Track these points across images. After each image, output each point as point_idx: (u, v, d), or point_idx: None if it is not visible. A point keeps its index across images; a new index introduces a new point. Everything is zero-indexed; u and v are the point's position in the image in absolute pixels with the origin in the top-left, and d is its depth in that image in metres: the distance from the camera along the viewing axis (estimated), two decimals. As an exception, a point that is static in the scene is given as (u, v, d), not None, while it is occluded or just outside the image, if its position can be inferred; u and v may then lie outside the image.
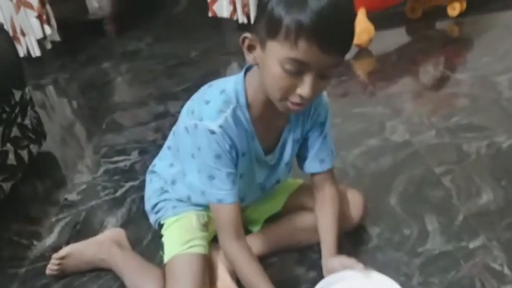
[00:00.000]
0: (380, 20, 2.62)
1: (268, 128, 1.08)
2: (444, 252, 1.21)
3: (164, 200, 1.23)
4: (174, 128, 1.19)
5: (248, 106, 1.02)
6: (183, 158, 1.14)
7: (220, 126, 0.97)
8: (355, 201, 1.24)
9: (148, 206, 1.28)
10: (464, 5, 2.84)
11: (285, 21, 0.84)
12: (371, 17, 2.56)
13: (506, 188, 1.39)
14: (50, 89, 2.67)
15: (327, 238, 1.14)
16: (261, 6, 0.89)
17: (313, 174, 1.19)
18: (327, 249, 1.13)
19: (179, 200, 1.21)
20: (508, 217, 1.28)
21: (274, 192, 1.28)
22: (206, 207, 1.16)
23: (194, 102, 1.06)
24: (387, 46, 2.66)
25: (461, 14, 2.85)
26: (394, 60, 2.49)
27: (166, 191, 1.23)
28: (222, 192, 1.02)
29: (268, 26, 0.87)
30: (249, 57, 0.95)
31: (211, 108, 0.99)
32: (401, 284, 1.06)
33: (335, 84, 2.30)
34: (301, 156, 1.19)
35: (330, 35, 0.84)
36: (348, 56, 2.59)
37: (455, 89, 2.07)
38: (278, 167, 1.16)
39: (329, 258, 1.11)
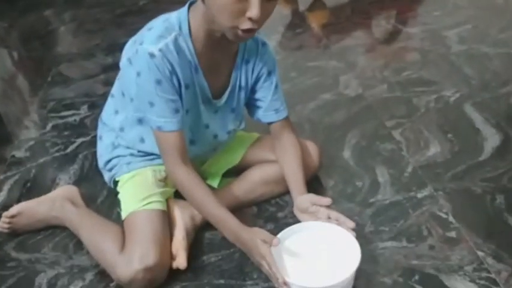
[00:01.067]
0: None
1: (214, 67, 1.09)
2: (394, 202, 1.26)
3: (118, 156, 1.20)
4: (118, 75, 1.17)
5: (191, 36, 1.03)
6: (132, 94, 1.11)
7: (160, 50, 0.99)
8: (311, 151, 1.28)
9: (100, 163, 1.26)
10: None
11: None
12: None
13: (452, 140, 1.46)
14: (-12, 38, 2.51)
15: (295, 178, 1.18)
16: None
17: (270, 124, 1.22)
18: (297, 189, 1.17)
19: (132, 155, 1.19)
20: (454, 168, 1.35)
21: (231, 146, 1.29)
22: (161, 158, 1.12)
23: (137, 34, 1.07)
24: (341, -2, 2.66)
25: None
26: (348, 12, 2.50)
27: (118, 146, 1.20)
28: (162, 120, 1.03)
29: None
30: None
31: (153, 33, 1.01)
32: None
33: (290, 37, 2.28)
34: (255, 107, 1.21)
35: None
36: (303, 7, 2.63)
37: (406, 43, 2.11)
38: (226, 113, 1.18)
39: (299, 197, 1.15)
